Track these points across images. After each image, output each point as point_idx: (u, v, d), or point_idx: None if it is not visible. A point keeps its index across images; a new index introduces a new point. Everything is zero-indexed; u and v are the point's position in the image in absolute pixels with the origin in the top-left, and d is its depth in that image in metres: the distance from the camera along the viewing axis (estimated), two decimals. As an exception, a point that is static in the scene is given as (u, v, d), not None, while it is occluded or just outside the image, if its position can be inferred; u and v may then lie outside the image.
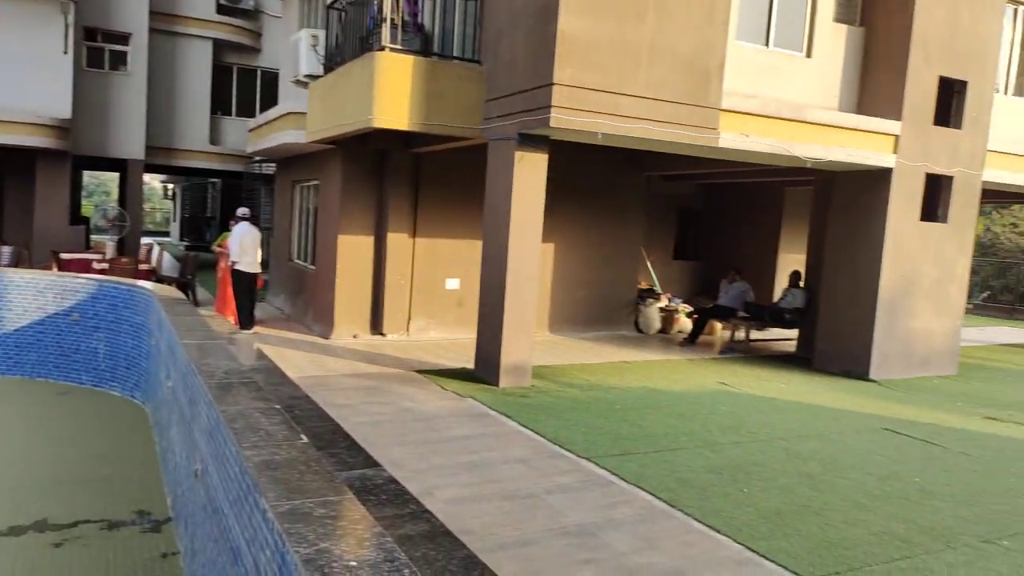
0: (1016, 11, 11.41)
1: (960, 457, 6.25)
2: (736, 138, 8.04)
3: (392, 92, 7.79)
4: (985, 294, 22.30)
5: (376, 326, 10.40)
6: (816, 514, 4.75)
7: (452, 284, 10.72)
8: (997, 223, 25.11)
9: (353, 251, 10.26)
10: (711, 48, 7.68)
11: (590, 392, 7.82)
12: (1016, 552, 4.32)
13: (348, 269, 10.25)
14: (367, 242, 10.34)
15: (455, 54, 8.81)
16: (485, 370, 8.03)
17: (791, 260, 13.44)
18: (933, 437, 6.84)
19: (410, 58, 7.92)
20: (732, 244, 14.40)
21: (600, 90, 7.15)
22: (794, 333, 11.64)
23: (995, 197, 13.52)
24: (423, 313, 10.58)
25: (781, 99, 8.70)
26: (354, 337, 10.23)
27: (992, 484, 5.57)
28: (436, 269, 10.60)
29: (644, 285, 13.22)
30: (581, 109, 7.08)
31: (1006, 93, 11.44)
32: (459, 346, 9.93)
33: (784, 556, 4.09)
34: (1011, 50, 11.46)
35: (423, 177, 10.40)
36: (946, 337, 10.10)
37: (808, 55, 9.16)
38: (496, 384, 7.75)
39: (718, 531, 4.39)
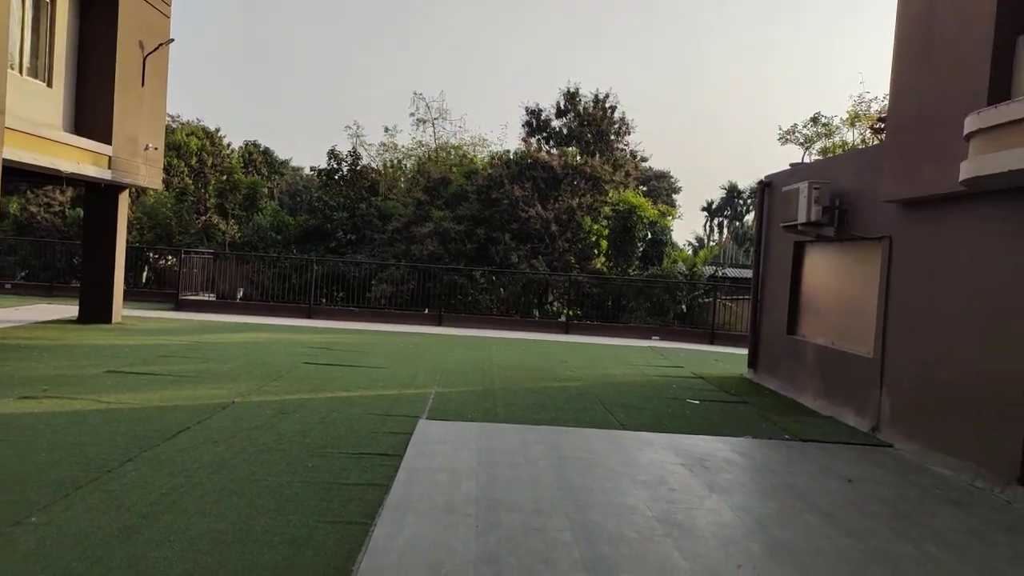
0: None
1: (-9, 445, 6.08)
2: None
3: None
4: (24, 272, 22.20)
5: None
6: None
7: None
8: (33, 202, 25.24)
9: None
10: None
11: None
12: (43, 525, 4.51)
13: None
14: None
15: None
16: None
17: None
18: (-38, 431, 6.42)
19: None
20: None
21: None
22: None
23: (24, 176, 13.52)
24: None
25: None
26: None
27: (26, 464, 5.64)
28: None
29: None
30: None
31: (21, 72, 11.50)
32: None
33: None
34: (22, 30, 11.56)
35: None
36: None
37: None
38: None
39: None
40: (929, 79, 7.91)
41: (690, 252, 34.60)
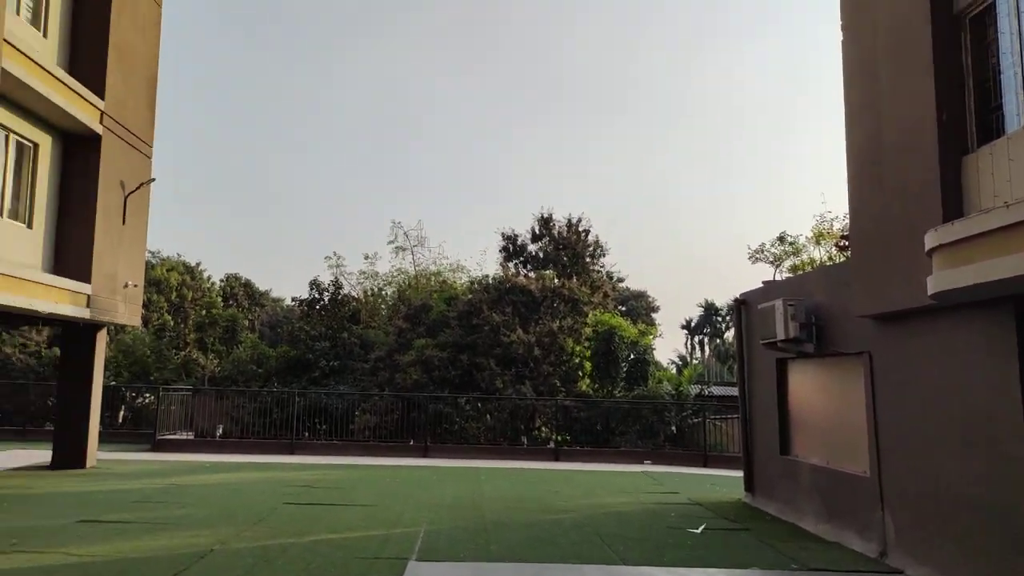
0: (8, 136, 11.96)
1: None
2: None
3: None
4: (-4, 417, 21.57)
5: None
6: None
7: None
8: (8, 343, 24.93)
9: None
10: None
11: None
12: None
13: None
14: None
15: None
16: None
17: None
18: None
19: None
20: None
21: None
22: None
23: (1, 317, 13.44)
24: None
25: None
26: None
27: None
28: None
29: None
30: None
31: (2, 215, 11.76)
32: None
33: None
34: (5, 174, 11.94)
35: None
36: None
37: None
38: None
39: None
40: (884, 198, 8.25)
41: (674, 371, 34.65)
